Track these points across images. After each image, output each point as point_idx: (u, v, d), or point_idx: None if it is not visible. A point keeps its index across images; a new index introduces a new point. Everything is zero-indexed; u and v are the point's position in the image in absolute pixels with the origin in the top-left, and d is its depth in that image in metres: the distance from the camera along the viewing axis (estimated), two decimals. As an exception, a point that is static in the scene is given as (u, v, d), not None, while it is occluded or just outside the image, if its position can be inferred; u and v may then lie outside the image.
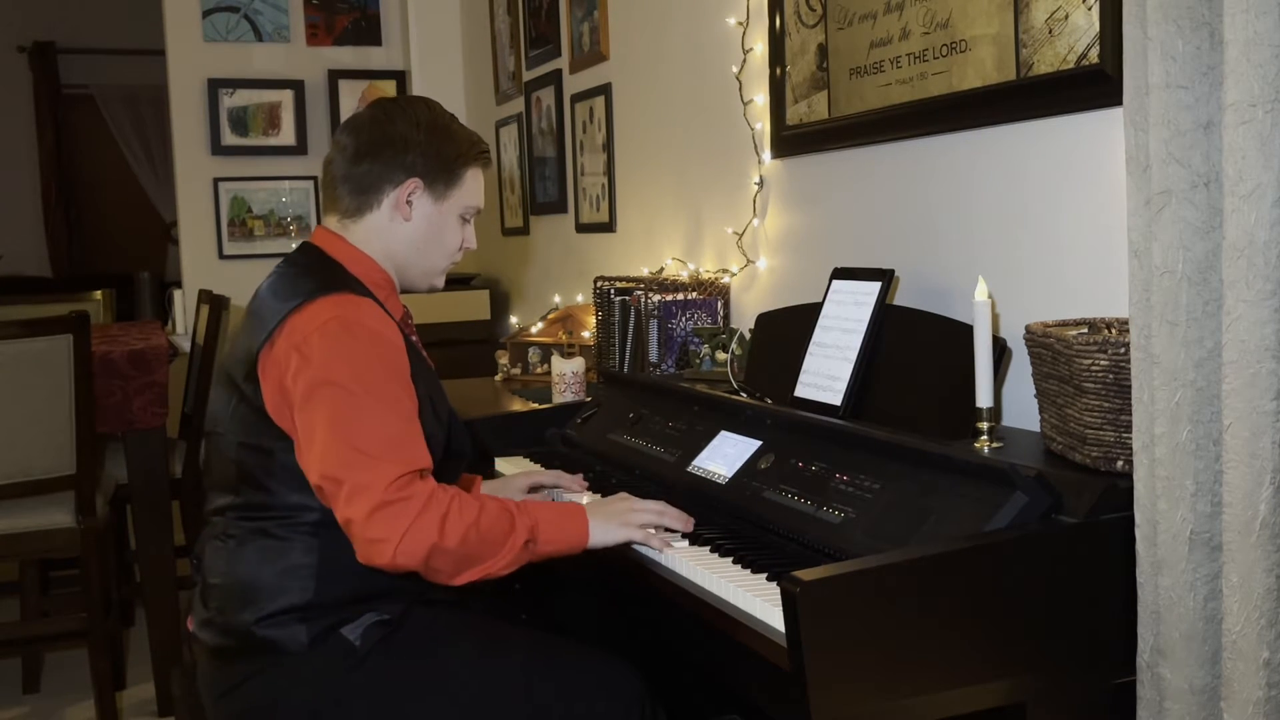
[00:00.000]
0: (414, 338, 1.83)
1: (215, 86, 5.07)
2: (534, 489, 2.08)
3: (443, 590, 1.66)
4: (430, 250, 1.81)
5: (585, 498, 2.05)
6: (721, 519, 1.85)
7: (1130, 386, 1.40)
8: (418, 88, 5.07)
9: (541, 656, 1.70)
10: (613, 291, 2.94)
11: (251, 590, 1.64)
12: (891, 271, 1.99)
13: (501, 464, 2.43)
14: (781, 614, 1.31)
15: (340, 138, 1.81)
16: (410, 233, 1.78)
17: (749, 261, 2.73)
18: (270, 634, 1.62)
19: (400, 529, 1.52)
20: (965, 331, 1.72)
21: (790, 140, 2.52)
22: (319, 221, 5.23)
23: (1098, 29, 1.70)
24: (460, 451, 1.85)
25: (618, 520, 1.73)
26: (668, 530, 1.76)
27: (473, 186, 1.83)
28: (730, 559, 1.65)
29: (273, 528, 1.65)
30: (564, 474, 2.12)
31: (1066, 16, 1.76)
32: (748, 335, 2.43)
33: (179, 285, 5.21)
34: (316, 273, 1.73)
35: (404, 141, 1.76)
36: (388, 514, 1.52)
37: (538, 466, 2.37)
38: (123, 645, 3.51)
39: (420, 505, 1.54)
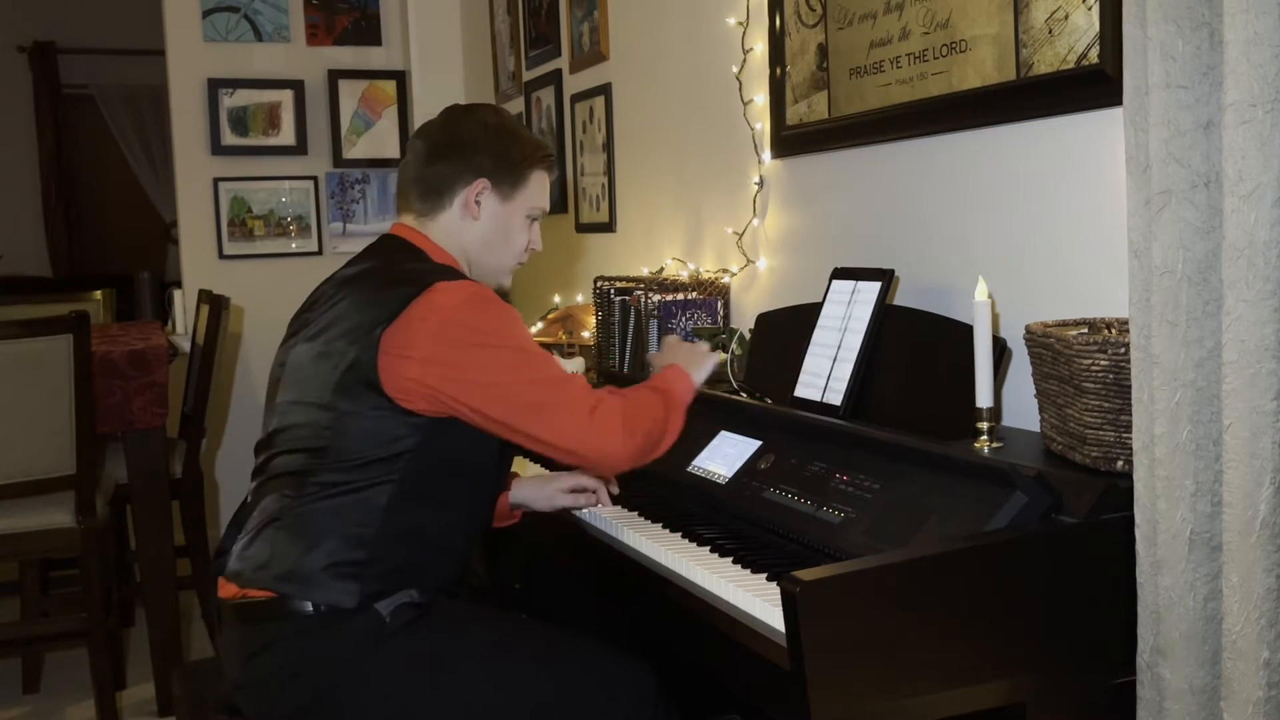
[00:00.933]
0: None
1: (215, 86, 5.07)
2: (576, 490, 2.11)
3: (463, 586, 1.76)
4: (499, 249, 1.91)
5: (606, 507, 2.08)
6: (721, 519, 1.85)
7: (1130, 386, 1.40)
8: (418, 88, 5.07)
9: (556, 649, 1.75)
10: (613, 291, 2.94)
11: (316, 542, 1.68)
12: (891, 271, 1.99)
13: (531, 473, 2.42)
14: (781, 614, 1.31)
15: (414, 142, 1.92)
16: (480, 231, 1.88)
17: (749, 261, 2.73)
18: (328, 582, 1.66)
19: (618, 431, 1.73)
20: (965, 331, 1.72)
21: (790, 140, 2.52)
22: (318, 222, 5.25)
23: (1098, 29, 1.70)
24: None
25: (701, 360, 1.98)
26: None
27: (537, 188, 1.93)
28: (730, 559, 1.65)
29: (347, 487, 1.70)
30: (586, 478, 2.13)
31: (1066, 16, 1.76)
32: (748, 335, 2.43)
33: (179, 285, 5.21)
34: (423, 258, 1.83)
35: (473, 143, 1.86)
36: (603, 415, 1.73)
37: (538, 467, 2.37)
38: (123, 645, 3.52)
39: (619, 404, 1.76)
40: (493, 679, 1.69)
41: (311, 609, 1.67)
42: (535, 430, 1.72)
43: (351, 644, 1.67)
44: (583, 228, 3.85)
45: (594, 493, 2.10)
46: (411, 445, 1.70)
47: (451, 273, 1.79)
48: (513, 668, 1.70)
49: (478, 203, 1.87)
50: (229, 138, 5.11)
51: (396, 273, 1.78)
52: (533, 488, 2.12)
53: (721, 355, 1.92)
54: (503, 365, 1.71)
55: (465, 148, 1.86)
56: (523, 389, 1.71)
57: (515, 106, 4.40)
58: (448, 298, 1.71)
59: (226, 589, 1.77)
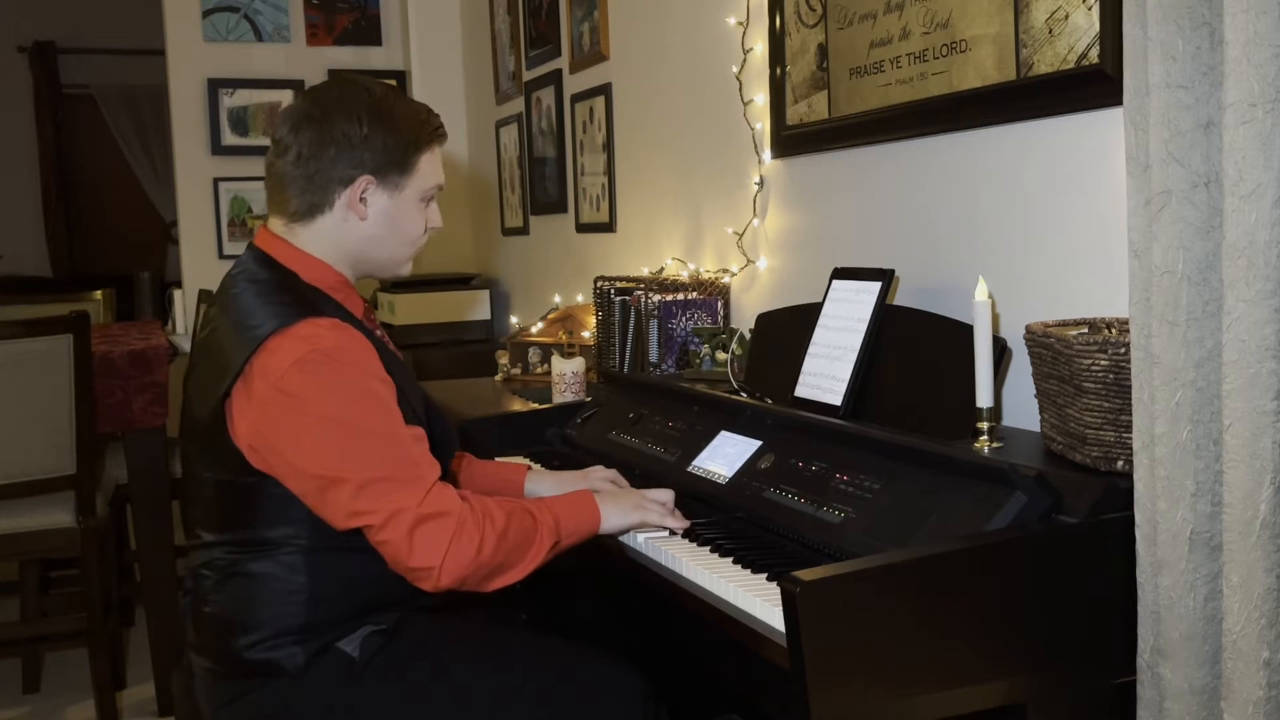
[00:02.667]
0: (378, 331, 1.78)
1: (215, 86, 5.08)
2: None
3: (438, 596, 1.65)
4: (390, 243, 1.73)
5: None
6: (721, 519, 1.85)
7: (1130, 386, 1.40)
8: (418, 88, 5.08)
9: (542, 658, 1.69)
10: (613, 291, 2.94)
11: (243, 620, 1.61)
12: (891, 271, 1.99)
13: (545, 473, 2.42)
14: (781, 614, 1.31)
15: (279, 135, 1.69)
16: (367, 231, 1.70)
17: (749, 261, 2.73)
18: (265, 657, 1.60)
19: (440, 552, 1.52)
20: (965, 331, 1.72)
21: (790, 140, 2.52)
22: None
23: (1098, 29, 1.70)
24: (444, 443, 1.79)
25: (629, 504, 1.75)
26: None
27: (429, 169, 1.72)
28: (730, 559, 1.65)
29: (261, 559, 1.61)
30: (601, 469, 2.04)
31: (1066, 16, 1.76)
32: (748, 335, 2.43)
33: (179, 285, 5.21)
34: (273, 296, 1.63)
35: (346, 139, 1.65)
36: (425, 533, 1.52)
37: (538, 467, 2.37)
38: (123, 645, 3.52)
39: (454, 524, 1.54)
40: (478, 696, 1.63)
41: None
42: (339, 502, 1.54)
43: (326, 686, 1.60)
44: (583, 228, 3.85)
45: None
46: (297, 500, 1.59)
47: (294, 311, 1.58)
48: (498, 680, 1.64)
49: (363, 201, 1.67)
50: (229, 138, 5.12)
51: (240, 322, 1.61)
52: (551, 484, 2.00)
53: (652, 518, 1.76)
54: (319, 421, 1.53)
55: (338, 143, 1.64)
56: (338, 456, 1.53)
57: (515, 107, 4.40)
58: (278, 360, 1.54)
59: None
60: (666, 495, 1.81)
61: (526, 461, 2.41)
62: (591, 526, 1.72)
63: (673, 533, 1.78)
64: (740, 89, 2.70)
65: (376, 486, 1.53)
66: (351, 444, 1.54)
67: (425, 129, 1.71)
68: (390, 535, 1.53)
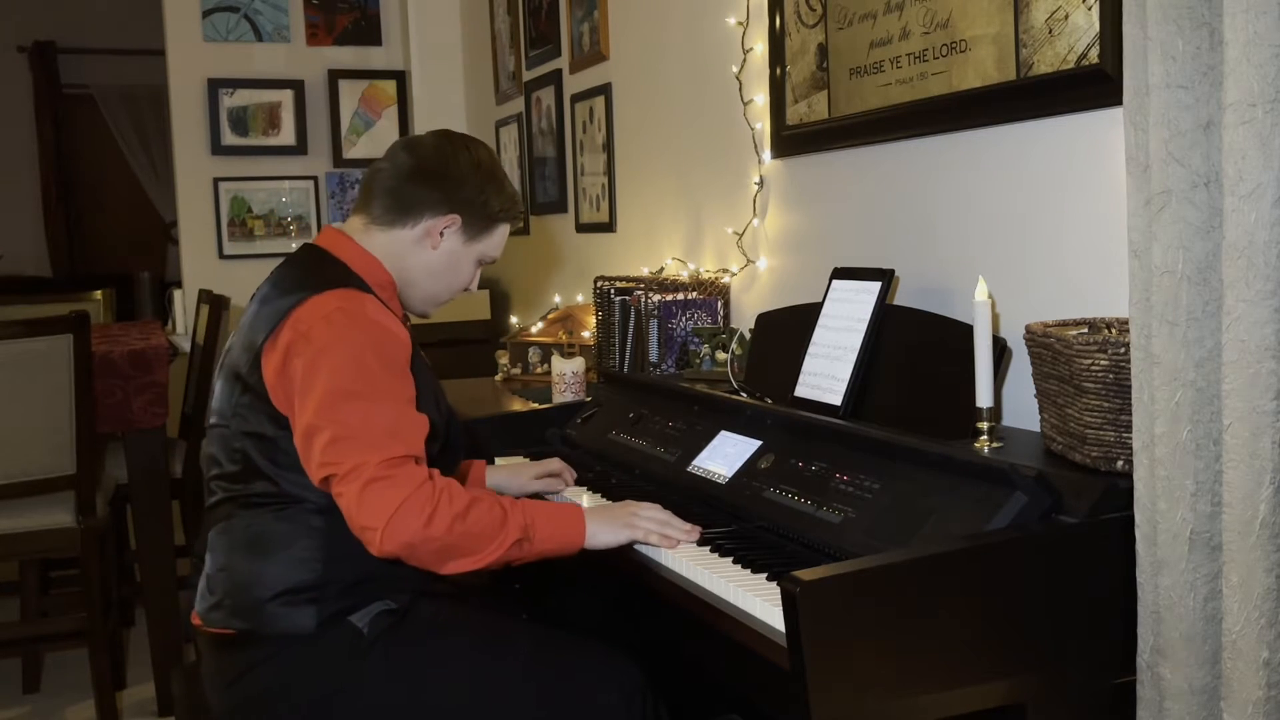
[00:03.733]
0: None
1: (215, 86, 5.07)
2: (544, 476, 2.15)
3: (446, 583, 1.71)
4: (441, 281, 1.88)
5: (585, 498, 2.06)
6: (721, 519, 1.85)
7: (1130, 386, 1.40)
8: (418, 88, 5.08)
9: (543, 648, 1.73)
10: (613, 291, 2.94)
11: (260, 573, 1.67)
12: (891, 271, 1.99)
13: (502, 464, 2.42)
14: (781, 614, 1.31)
15: (398, 153, 1.87)
16: (431, 261, 1.85)
17: (749, 261, 2.73)
18: (281, 612, 1.65)
19: (386, 513, 1.55)
20: (965, 331, 1.72)
21: (790, 140, 2.52)
22: (318, 221, 5.25)
23: (1098, 29, 1.70)
24: (457, 445, 1.89)
25: (620, 521, 1.75)
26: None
27: (499, 240, 1.91)
28: (730, 559, 1.65)
29: (278, 514, 1.69)
30: (557, 461, 2.19)
31: (1066, 16, 1.76)
32: (748, 335, 2.43)
33: (179, 285, 5.21)
34: (320, 270, 1.77)
35: (460, 179, 1.83)
36: (375, 491, 1.56)
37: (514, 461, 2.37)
38: (123, 645, 3.52)
39: (409, 490, 1.57)
40: (479, 682, 1.67)
41: (278, 636, 1.66)
42: (313, 451, 1.60)
43: (333, 658, 1.66)
44: (583, 228, 3.85)
45: (559, 475, 2.15)
46: None
47: (341, 279, 1.74)
48: (500, 668, 1.68)
49: (441, 235, 1.84)
50: (229, 138, 5.12)
51: (282, 290, 1.73)
52: (505, 476, 2.15)
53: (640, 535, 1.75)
54: (323, 371, 1.62)
55: (451, 180, 1.83)
56: (326, 407, 1.60)
57: (515, 107, 4.40)
58: (310, 310, 1.67)
59: (196, 619, 1.77)
60: (660, 513, 1.78)
61: (527, 461, 2.41)
62: (573, 539, 1.72)
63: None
64: (740, 89, 2.70)
65: (347, 443, 1.58)
66: (341, 400, 1.60)
67: (513, 209, 1.92)
68: (344, 488, 1.58)
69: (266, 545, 1.68)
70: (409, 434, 1.64)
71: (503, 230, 1.91)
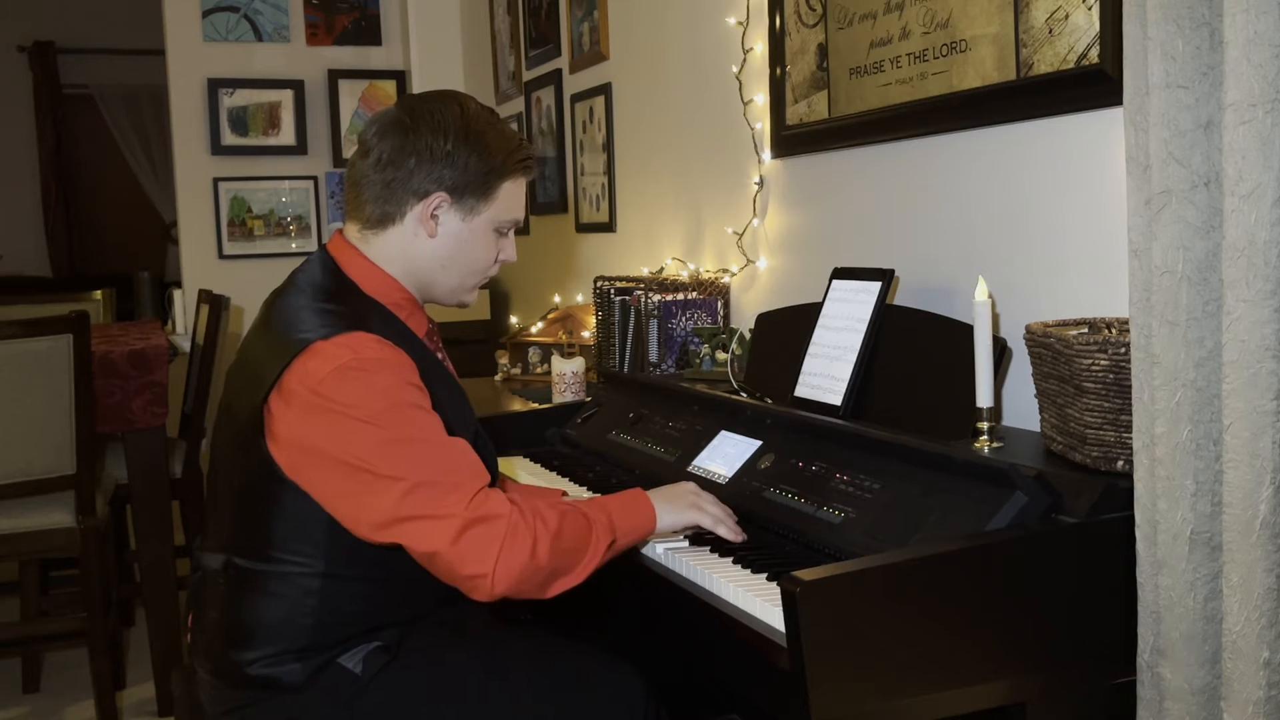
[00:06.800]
0: (439, 354, 1.75)
1: (215, 86, 5.08)
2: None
3: (439, 605, 1.64)
4: (457, 268, 1.68)
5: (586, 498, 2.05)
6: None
7: (1130, 386, 1.40)
8: (418, 88, 5.07)
9: (544, 662, 1.67)
10: (613, 291, 2.94)
11: (247, 632, 1.58)
12: (891, 271, 1.99)
13: (499, 464, 2.42)
14: (781, 614, 1.31)
15: (366, 136, 1.67)
16: (435, 250, 1.65)
17: (749, 261, 2.73)
18: (264, 673, 1.57)
19: (491, 557, 1.45)
20: (965, 331, 1.72)
21: (790, 140, 2.52)
22: (318, 222, 5.25)
23: (1098, 29, 1.70)
24: (490, 454, 1.76)
25: (686, 502, 1.69)
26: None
27: (509, 200, 1.67)
28: (730, 559, 1.65)
29: (274, 574, 1.57)
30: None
31: (1066, 16, 1.76)
32: (748, 335, 2.43)
33: (179, 285, 5.21)
34: (325, 304, 1.60)
35: (429, 151, 1.61)
36: (472, 538, 1.45)
37: (538, 467, 2.37)
38: (123, 645, 3.52)
39: (503, 527, 1.46)
40: (481, 706, 1.60)
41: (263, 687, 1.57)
42: (381, 503, 1.46)
43: (327, 706, 1.57)
44: (583, 228, 3.85)
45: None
46: (326, 520, 1.53)
47: (343, 323, 1.54)
48: (501, 687, 1.62)
49: (434, 218, 1.63)
50: (229, 138, 5.12)
51: (290, 324, 1.57)
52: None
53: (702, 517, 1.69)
54: (377, 449, 1.47)
55: (419, 155, 1.61)
56: (374, 458, 1.47)
57: (515, 106, 4.40)
58: (316, 365, 1.49)
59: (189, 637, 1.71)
60: (721, 506, 1.74)
61: (527, 461, 2.41)
62: (647, 525, 1.64)
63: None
64: (740, 89, 2.70)
65: (423, 491, 1.46)
66: (393, 447, 1.48)
67: (513, 158, 1.66)
68: (438, 546, 1.45)
69: (258, 607, 1.57)
70: (472, 463, 1.53)
71: (508, 188, 1.66)
